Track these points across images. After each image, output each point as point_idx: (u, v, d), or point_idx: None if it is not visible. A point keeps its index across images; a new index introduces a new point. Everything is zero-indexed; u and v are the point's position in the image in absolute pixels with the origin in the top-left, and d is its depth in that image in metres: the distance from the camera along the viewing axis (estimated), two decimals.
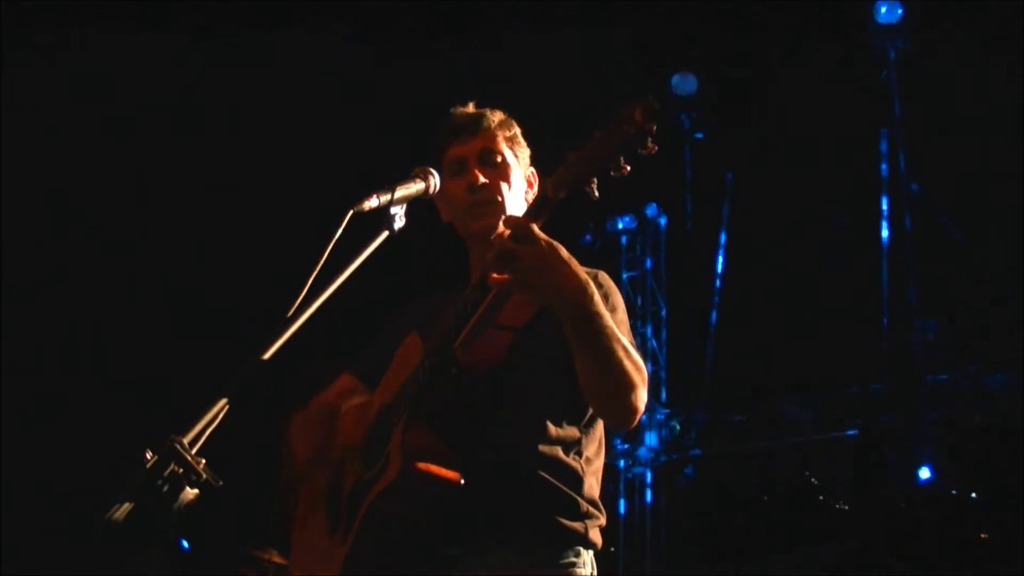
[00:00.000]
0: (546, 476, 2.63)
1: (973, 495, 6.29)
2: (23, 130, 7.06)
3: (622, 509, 8.56)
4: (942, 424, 7.00)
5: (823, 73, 7.65)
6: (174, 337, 7.56)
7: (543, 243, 2.36)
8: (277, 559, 5.86)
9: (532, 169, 2.98)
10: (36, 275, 7.26)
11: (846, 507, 6.67)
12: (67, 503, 5.99)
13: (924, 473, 6.97)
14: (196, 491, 2.03)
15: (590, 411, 2.72)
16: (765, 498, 7.56)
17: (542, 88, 7.82)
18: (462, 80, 7.89)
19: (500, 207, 2.82)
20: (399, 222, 2.58)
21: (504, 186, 2.85)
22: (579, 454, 2.70)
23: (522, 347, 2.62)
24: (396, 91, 7.81)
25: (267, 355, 2.21)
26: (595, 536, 2.67)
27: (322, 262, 2.36)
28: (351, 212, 2.46)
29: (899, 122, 7.57)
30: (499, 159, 2.87)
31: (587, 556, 2.67)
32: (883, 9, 7.68)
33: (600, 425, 2.79)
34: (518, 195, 2.88)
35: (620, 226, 9.12)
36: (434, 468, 2.50)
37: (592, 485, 2.70)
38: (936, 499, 6.52)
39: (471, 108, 2.95)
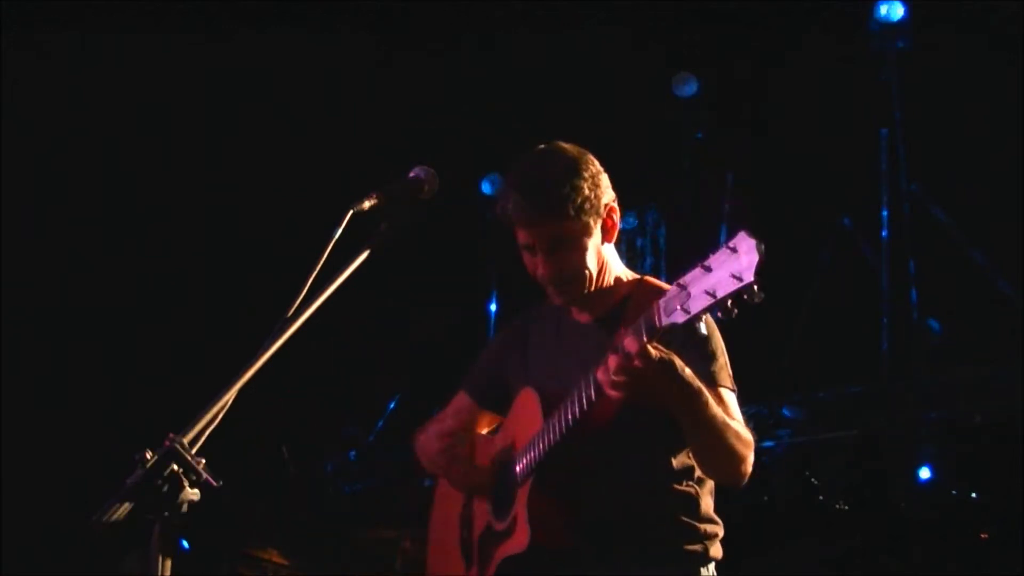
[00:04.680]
0: (666, 511, 2.83)
1: (973, 495, 6.28)
2: (23, 130, 7.05)
3: None
4: (942, 424, 6.97)
5: (823, 73, 7.63)
6: (174, 337, 7.56)
7: (662, 361, 2.48)
8: (277, 559, 5.86)
9: (609, 201, 2.96)
10: (36, 275, 7.25)
11: (846, 507, 6.66)
12: (67, 503, 5.98)
13: (924, 473, 6.95)
14: (196, 491, 2.03)
15: None
16: (765, 498, 7.54)
17: (541, 88, 7.83)
18: (462, 80, 7.90)
19: (579, 286, 2.91)
20: (399, 222, 2.60)
21: (577, 265, 2.89)
22: (691, 478, 2.89)
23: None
24: (396, 91, 7.81)
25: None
26: (716, 551, 2.91)
27: (322, 262, 2.37)
28: (351, 212, 2.48)
29: (899, 122, 7.54)
30: (570, 241, 2.87)
31: (710, 569, 2.91)
32: (883, 9, 7.65)
33: None
34: (594, 256, 2.92)
35: (620, 226, 9.07)
36: (551, 542, 2.74)
37: (708, 503, 2.91)
38: (936, 499, 6.51)
39: (534, 174, 2.85)
